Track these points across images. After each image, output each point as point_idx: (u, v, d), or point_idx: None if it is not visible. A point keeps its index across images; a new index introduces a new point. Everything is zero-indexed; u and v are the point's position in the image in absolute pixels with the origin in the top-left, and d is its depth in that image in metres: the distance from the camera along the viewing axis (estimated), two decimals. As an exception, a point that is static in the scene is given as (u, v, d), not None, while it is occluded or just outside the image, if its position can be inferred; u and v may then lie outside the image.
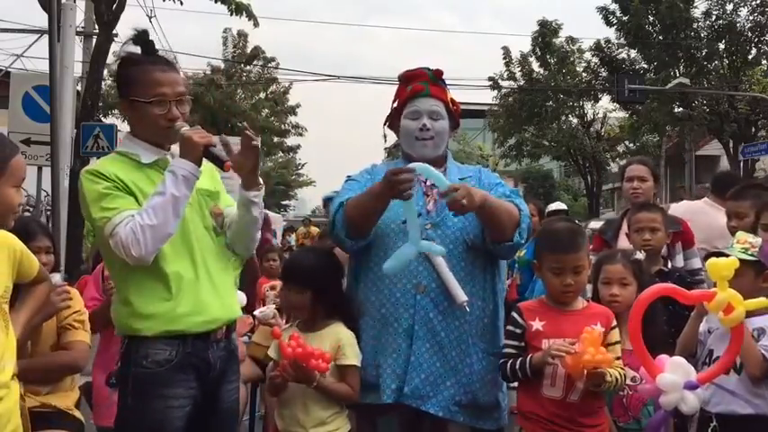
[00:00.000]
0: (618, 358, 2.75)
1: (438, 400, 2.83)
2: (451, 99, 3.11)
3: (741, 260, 2.72)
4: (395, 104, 3.15)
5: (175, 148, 2.54)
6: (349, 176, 3.18)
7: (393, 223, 2.90)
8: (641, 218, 3.74)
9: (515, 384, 2.88)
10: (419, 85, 3.05)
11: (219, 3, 11.64)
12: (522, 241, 2.95)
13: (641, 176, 4.43)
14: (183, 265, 2.50)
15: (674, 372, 2.67)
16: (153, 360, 2.43)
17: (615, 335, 2.80)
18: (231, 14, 11.83)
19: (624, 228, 4.36)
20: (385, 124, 3.23)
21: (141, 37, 2.58)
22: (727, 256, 2.74)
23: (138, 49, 2.59)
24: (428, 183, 3.01)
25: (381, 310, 2.89)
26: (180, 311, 2.45)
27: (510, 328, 2.83)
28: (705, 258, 3.16)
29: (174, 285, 2.45)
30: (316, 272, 2.97)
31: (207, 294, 2.52)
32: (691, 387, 2.66)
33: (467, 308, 2.82)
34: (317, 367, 2.74)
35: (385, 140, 3.34)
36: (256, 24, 12.19)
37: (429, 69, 3.11)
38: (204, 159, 2.49)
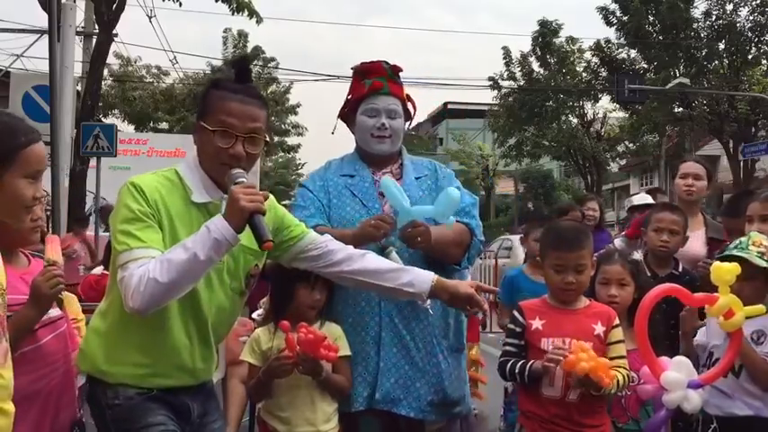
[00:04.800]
0: (622, 357, 2.76)
1: (409, 402, 2.86)
2: (407, 95, 3.10)
3: (754, 264, 2.73)
4: (350, 97, 3.12)
5: None
6: (301, 183, 3.17)
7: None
8: (663, 218, 3.63)
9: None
10: (378, 81, 3.03)
11: (220, 2, 11.63)
12: (470, 266, 3.03)
13: (697, 174, 4.19)
14: (185, 329, 2.27)
15: (677, 370, 2.68)
16: (124, 396, 2.22)
17: (617, 333, 2.80)
18: (233, 13, 11.79)
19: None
20: (339, 117, 3.18)
21: (239, 63, 2.38)
22: (739, 258, 2.75)
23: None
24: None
25: (349, 320, 2.90)
26: (154, 375, 2.26)
27: (510, 326, 2.86)
28: (716, 260, 3.14)
29: (159, 349, 2.24)
30: None
31: (191, 360, 2.31)
32: (695, 386, 2.68)
33: (430, 310, 2.83)
34: (326, 356, 2.74)
35: (333, 132, 3.36)
36: (259, 21, 12.13)
37: (387, 64, 3.09)
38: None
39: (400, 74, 3.14)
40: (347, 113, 3.12)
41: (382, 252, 2.81)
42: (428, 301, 2.78)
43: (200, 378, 2.36)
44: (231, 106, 2.25)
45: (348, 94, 3.13)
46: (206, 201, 2.28)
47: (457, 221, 2.94)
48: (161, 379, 2.26)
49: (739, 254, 2.82)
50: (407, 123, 3.13)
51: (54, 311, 2.47)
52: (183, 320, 2.26)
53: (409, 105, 3.13)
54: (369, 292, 2.79)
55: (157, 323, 2.20)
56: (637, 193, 8.37)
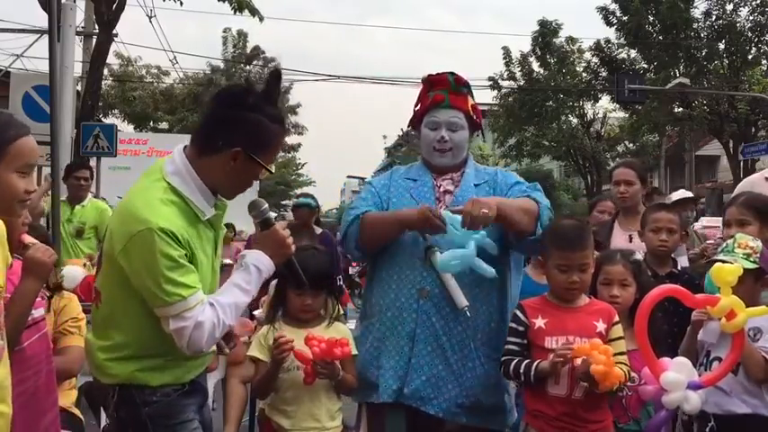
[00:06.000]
0: (622, 353, 2.76)
1: (439, 402, 2.86)
2: (473, 105, 3.10)
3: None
4: (417, 108, 3.16)
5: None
6: (369, 181, 3.27)
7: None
8: (660, 218, 3.68)
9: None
10: (440, 94, 3.05)
11: (221, 1, 11.59)
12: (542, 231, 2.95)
13: (627, 180, 4.51)
14: None
15: (677, 371, 2.68)
16: (162, 393, 2.30)
17: (617, 330, 2.81)
18: (234, 12, 11.76)
19: (616, 229, 4.41)
20: (408, 126, 3.26)
21: (275, 81, 2.35)
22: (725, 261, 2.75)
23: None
24: (441, 189, 3.04)
25: (387, 314, 2.94)
26: (188, 371, 2.38)
27: (512, 325, 2.85)
28: (706, 264, 3.15)
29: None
30: (330, 274, 3.10)
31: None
32: (694, 387, 2.67)
33: (468, 312, 2.84)
34: (343, 354, 2.84)
35: (405, 136, 3.42)
36: (261, 19, 12.11)
37: (452, 75, 3.09)
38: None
39: (467, 84, 3.13)
40: (416, 124, 3.17)
41: (426, 252, 2.85)
42: (465, 303, 2.81)
43: (210, 358, 2.53)
44: (280, 146, 2.41)
45: (415, 105, 3.17)
46: (212, 215, 2.34)
47: (518, 196, 2.97)
48: (195, 371, 2.40)
49: (725, 258, 2.83)
50: (474, 133, 3.16)
51: (38, 312, 2.48)
52: None
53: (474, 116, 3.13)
54: (410, 289, 2.89)
55: None
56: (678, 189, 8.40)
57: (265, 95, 2.30)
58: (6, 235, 1.96)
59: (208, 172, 2.28)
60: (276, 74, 2.36)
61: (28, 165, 2.04)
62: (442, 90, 3.06)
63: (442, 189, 3.05)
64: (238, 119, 2.25)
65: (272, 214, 2.45)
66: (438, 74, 3.12)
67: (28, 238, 2.51)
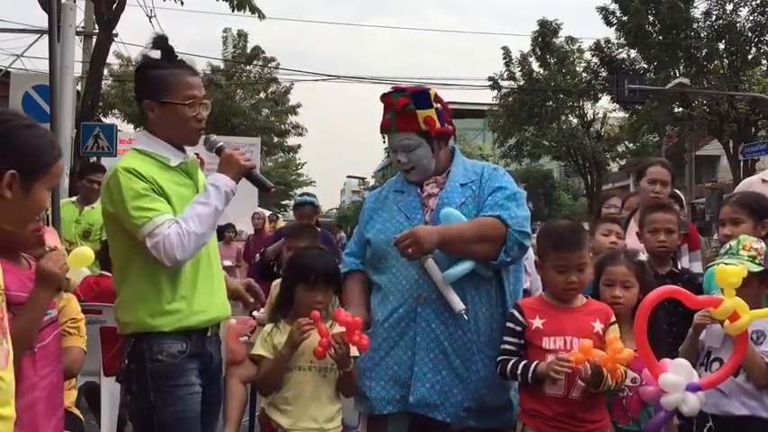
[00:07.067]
0: None
1: (446, 408, 2.86)
2: (426, 118, 2.97)
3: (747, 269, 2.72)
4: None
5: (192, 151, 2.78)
6: (365, 197, 3.29)
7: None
8: (658, 218, 3.68)
9: None
10: (387, 118, 3.03)
11: (221, 0, 11.56)
12: (509, 259, 2.89)
13: (664, 180, 4.37)
14: (201, 266, 2.66)
15: (676, 372, 2.67)
16: (168, 353, 2.55)
17: (614, 331, 2.81)
18: (233, 10, 11.72)
19: (632, 227, 4.35)
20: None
21: (161, 43, 2.70)
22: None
23: (156, 54, 2.72)
24: (425, 194, 3.02)
25: (385, 324, 2.93)
26: (194, 309, 2.61)
27: (510, 325, 2.85)
28: (708, 266, 3.14)
29: (191, 286, 2.61)
30: (337, 273, 3.10)
31: (211, 293, 2.70)
32: (693, 388, 2.66)
33: (465, 316, 2.83)
34: (359, 342, 2.81)
35: (384, 140, 3.36)
36: (262, 17, 12.05)
37: (399, 94, 3.00)
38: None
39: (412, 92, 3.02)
40: None
41: (420, 258, 2.84)
42: (462, 307, 2.81)
43: (225, 312, 2.79)
44: (189, 80, 2.67)
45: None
46: (179, 162, 2.68)
47: (484, 215, 2.91)
48: (198, 317, 2.62)
49: (730, 261, 2.81)
50: (447, 139, 3.06)
51: (53, 311, 2.55)
52: (203, 271, 2.66)
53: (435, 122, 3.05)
54: (407, 297, 2.90)
55: (186, 275, 2.60)
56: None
57: (167, 57, 2.69)
58: (15, 244, 2.01)
59: (155, 130, 2.69)
60: (161, 37, 2.70)
61: (55, 184, 2.19)
62: (390, 113, 3.02)
63: (425, 194, 3.04)
64: (136, 83, 2.75)
65: (222, 144, 2.79)
66: (387, 93, 3.05)
67: (50, 241, 2.55)
